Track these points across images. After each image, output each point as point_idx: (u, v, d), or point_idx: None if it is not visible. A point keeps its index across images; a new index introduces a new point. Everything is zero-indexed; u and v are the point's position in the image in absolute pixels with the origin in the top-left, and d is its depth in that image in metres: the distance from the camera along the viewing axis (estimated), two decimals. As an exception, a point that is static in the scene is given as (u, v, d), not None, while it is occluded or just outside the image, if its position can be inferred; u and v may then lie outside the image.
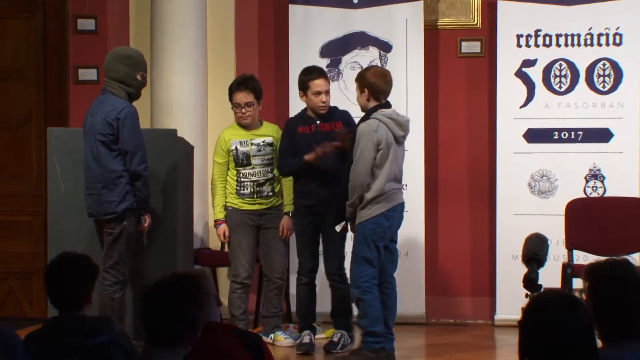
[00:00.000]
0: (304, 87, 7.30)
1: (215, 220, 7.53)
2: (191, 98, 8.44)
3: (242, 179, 7.44)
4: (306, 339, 7.24)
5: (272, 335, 7.40)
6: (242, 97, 7.43)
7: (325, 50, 8.45)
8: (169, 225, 7.08)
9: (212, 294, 3.71)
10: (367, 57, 8.39)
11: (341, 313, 7.36)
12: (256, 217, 7.46)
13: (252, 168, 7.43)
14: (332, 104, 7.76)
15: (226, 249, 8.52)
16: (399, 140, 6.91)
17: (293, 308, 8.08)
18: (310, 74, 7.32)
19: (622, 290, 3.65)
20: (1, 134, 9.04)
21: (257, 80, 7.63)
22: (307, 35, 8.43)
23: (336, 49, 8.44)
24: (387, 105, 6.95)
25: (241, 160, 7.44)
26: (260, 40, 8.83)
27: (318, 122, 7.30)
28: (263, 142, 7.48)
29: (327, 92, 7.30)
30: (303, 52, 8.42)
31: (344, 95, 8.27)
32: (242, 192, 7.44)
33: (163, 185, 7.04)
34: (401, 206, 7.00)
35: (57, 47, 8.93)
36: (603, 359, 3.46)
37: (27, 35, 9.03)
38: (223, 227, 7.47)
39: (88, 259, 4.53)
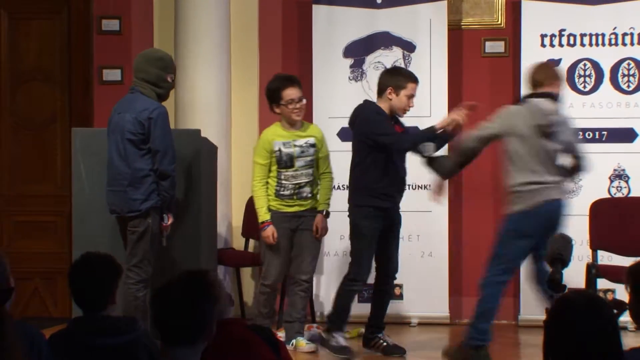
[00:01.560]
0: (398, 85, 7.10)
1: (262, 222, 7.26)
2: (215, 98, 8.45)
3: (284, 181, 7.26)
4: (344, 342, 7.17)
5: (293, 341, 7.20)
6: (296, 92, 7.25)
7: (349, 51, 8.44)
8: (192, 225, 7.08)
9: (223, 288, 3.69)
10: (390, 57, 8.39)
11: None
12: (294, 220, 7.30)
13: (295, 170, 7.26)
14: (354, 105, 7.77)
15: (250, 249, 8.55)
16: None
17: (317, 308, 8.12)
18: (406, 74, 7.27)
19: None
20: (26, 135, 9.08)
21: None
22: (331, 35, 8.43)
23: (360, 49, 8.44)
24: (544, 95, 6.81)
25: (285, 162, 7.25)
26: (283, 41, 8.84)
27: (394, 123, 7.22)
28: (306, 143, 7.31)
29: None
30: (326, 52, 8.42)
31: (367, 95, 8.24)
32: (282, 192, 7.27)
33: (186, 185, 7.05)
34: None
35: (82, 47, 8.96)
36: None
37: (51, 36, 9.06)
38: (271, 229, 7.23)
39: (111, 259, 4.54)
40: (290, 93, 7.19)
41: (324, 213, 7.38)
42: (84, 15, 8.96)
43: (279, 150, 7.22)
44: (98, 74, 8.95)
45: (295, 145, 7.23)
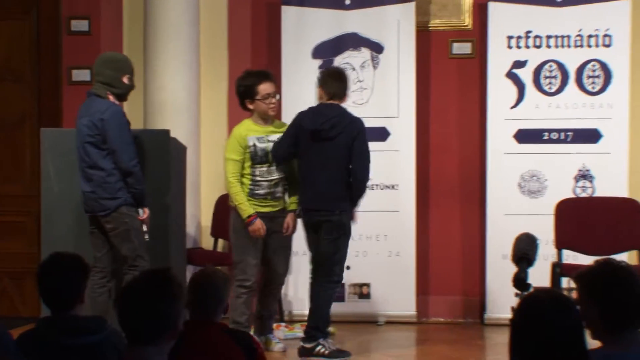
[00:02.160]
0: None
1: (248, 217, 7.05)
2: (184, 99, 8.44)
3: (258, 177, 7.11)
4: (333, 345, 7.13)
5: (262, 339, 7.08)
6: (272, 86, 7.16)
7: (318, 51, 8.45)
8: (161, 225, 7.07)
9: (184, 287, 3.69)
10: (359, 58, 8.41)
11: None
12: (267, 221, 7.12)
13: (269, 166, 7.12)
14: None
15: (219, 249, 8.55)
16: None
17: (285, 307, 8.12)
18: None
19: (621, 294, 3.67)
20: (-5, 135, 9.05)
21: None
22: (300, 36, 8.43)
23: (328, 50, 8.45)
24: None
25: (260, 158, 7.10)
26: (252, 42, 8.84)
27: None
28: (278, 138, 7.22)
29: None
30: (295, 53, 8.42)
31: (336, 96, 8.28)
32: (256, 192, 7.14)
33: (156, 186, 7.03)
34: None
35: (51, 48, 8.93)
36: (604, 357, 3.48)
37: (20, 37, 9.02)
38: (259, 221, 7.06)
39: (80, 259, 4.54)
40: (267, 88, 7.09)
41: (297, 212, 7.30)
42: (53, 15, 8.93)
43: (254, 145, 7.09)
44: (67, 74, 8.92)
45: (269, 141, 7.09)
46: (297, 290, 8.39)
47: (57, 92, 8.91)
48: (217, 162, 8.74)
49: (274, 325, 7.76)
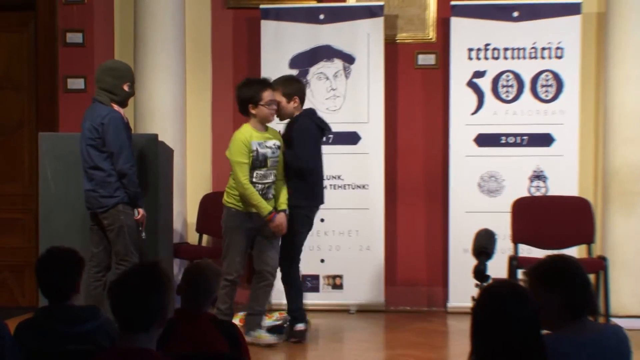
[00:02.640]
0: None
1: (269, 213, 6.91)
2: (171, 106, 8.43)
3: (255, 180, 6.95)
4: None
5: (254, 334, 6.98)
6: (272, 94, 6.99)
7: (294, 62, 8.44)
8: (151, 222, 7.04)
9: (172, 278, 3.69)
10: (332, 68, 8.40)
11: None
12: (258, 219, 6.96)
13: (267, 169, 6.99)
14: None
15: (203, 244, 8.53)
16: None
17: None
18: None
19: (569, 284, 3.69)
20: (-5, 139, 9.02)
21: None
22: (278, 48, 8.42)
23: (304, 61, 8.44)
24: None
25: (260, 162, 6.96)
26: (234, 54, 8.82)
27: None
28: (274, 144, 7.05)
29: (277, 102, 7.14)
30: (274, 63, 8.41)
31: (311, 103, 8.26)
32: None
33: (145, 186, 7.02)
34: None
35: (48, 58, 8.89)
36: (556, 342, 3.49)
37: (19, 48, 8.99)
38: (281, 216, 6.96)
39: (75, 252, 4.53)
40: (269, 94, 6.96)
41: (286, 212, 7.14)
42: (49, 28, 8.88)
43: (256, 150, 6.95)
44: (63, 83, 8.88)
45: (266, 146, 6.99)
46: (275, 282, 8.38)
47: (54, 99, 8.87)
48: (202, 163, 8.76)
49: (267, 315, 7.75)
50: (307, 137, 7.05)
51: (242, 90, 7.03)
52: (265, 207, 6.88)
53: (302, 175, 7.02)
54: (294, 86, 7.15)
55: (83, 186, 6.70)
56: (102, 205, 6.58)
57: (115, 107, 6.65)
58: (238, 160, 6.91)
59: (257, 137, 6.96)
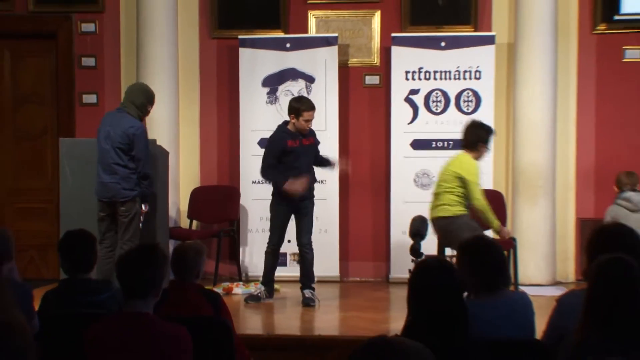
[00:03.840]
0: (297, 113, 7.00)
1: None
2: (167, 116, 8.38)
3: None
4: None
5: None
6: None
7: (266, 81, 8.43)
8: (151, 210, 7.02)
9: (168, 257, 3.70)
10: (296, 87, 8.40)
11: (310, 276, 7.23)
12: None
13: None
14: (269, 121, 7.75)
15: (193, 227, 8.51)
16: None
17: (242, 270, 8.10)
18: (304, 104, 7.06)
19: (486, 258, 3.73)
20: (25, 143, 8.96)
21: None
22: (253, 70, 8.41)
23: (274, 81, 8.43)
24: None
25: None
26: (218, 74, 8.79)
27: (302, 137, 7.09)
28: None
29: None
30: (250, 82, 8.40)
31: (280, 115, 8.27)
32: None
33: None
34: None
35: (66, 78, 8.83)
36: (476, 306, 3.52)
37: (43, 69, 8.93)
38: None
39: (90, 234, 4.52)
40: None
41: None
42: (68, 54, 8.82)
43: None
44: (79, 98, 8.82)
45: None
46: (252, 258, 8.38)
47: (71, 111, 8.82)
48: (192, 163, 8.73)
49: (234, 283, 7.75)
50: None
51: (473, 132, 6.87)
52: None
53: None
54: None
55: (100, 178, 6.67)
56: (125, 195, 6.62)
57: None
58: (476, 181, 6.71)
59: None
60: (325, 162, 7.31)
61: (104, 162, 6.69)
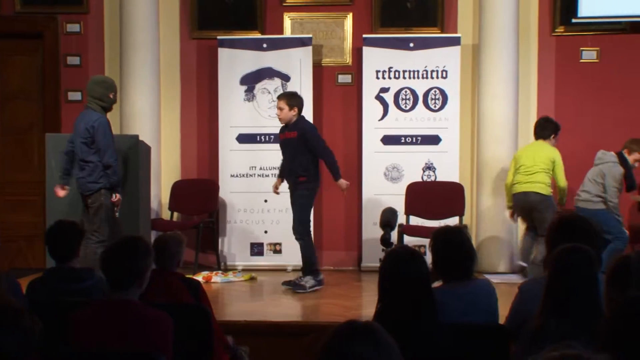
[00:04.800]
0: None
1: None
2: (149, 113, 8.35)
3: None
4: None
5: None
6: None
7: (244, 80, 8.40)
8: (133, 202, 7.01)
9: (151, 249, 3.67)
10: (272, 85, 8.38)
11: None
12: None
13: None
14: (247, 118, 7.72)
15: (174, 219, 8.46)
16: None
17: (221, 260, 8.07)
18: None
19: (454, 248, 3.73)
20: (12, 138, 8.90)
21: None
22: (231, 69, 8.37)
23: (251, 79, 8.40)
24: None
25: None
26: (197, 73, 8.75)
27: (286, 130, 7.09)
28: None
29: (280, 109, 7.06)
30: (228, 81, 8.36)
31: (257, 112, 8.26)
32: None
33: (129, 174, 6.96)
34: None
35: (52, 76, 8.76)
36: (443, 293, 3.53)
37: (30, 67, 8.86)
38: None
39: (76, 224, 4.50)
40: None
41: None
42: (54, 53, 8.75)
43: None
44: (64, 95, 8.76)
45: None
46: (230, 248, 8.36)
47: (57, 107, 8.75)
48: (173, 157, 8.69)
49: (213, 272, 7.72)
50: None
51: (548, 126, 7.50)
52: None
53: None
54: (297, 100, 7.10)
55: (75, 174, 6.63)
56: (89, 189, 6.50)
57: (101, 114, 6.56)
58: (562, 166, 7.40)
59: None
60: (335, 173, 7.15)
61: (76, 159, 6.64)
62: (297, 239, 7.11)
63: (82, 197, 6.64)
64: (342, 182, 7.06)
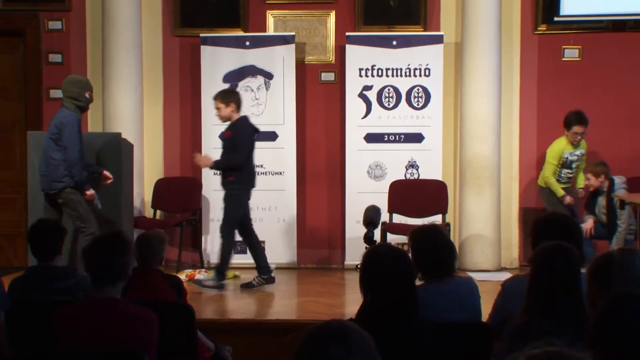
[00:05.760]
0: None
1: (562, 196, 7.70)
2: (131, 111, 8.31)
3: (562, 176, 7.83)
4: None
5: None
6: (581, 128, 7.57)
7: (227, 78, 8.38)
8: (116, 200, 6.97)
9: (133, 245, 3.67)
10: (255, 82, 8.36)
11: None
12: None
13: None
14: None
15: (157, 217, 8.43)
16: None
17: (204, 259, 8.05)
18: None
19: (434, 246, 3.74)
20: (-7, 137, 8.85)
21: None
22: (214, 67, 8.35)
23: (234, 77, 8.38)
24: None
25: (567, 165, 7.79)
26: (180, 71, 8.72)
27: (227, 129, 7.08)
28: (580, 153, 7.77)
29: (217, 109, 7.03)
30: (211, 79, 8.34)
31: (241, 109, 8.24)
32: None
33: (112, 172, 6.91)
34: None
35: (34, 73, 8.71)
36: (426, 291, 3.53)
37: (12, 65, 8.80)
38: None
39: (58, 223, 4.49)
40: (578, 129, 7.63)
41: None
42: (35, 50, 8.70)
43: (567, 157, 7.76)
44: (46, 93, 8.70)
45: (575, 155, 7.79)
46: (213, 246, 8.34)
47: (39, 105, 8.70)
48: (156, 155, 8.66)
49: (196, 270, 7.70)
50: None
51: (565, 118, 7.67)
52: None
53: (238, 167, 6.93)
54: (233, 96, 7.06)
55: (38, 170, 6.56)
56: (52, 187, 6.44)
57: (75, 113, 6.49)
58: (549, 161, 7.75)
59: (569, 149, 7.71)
60: (217, 165, 7.10)
61: (41, 155, 6.58)
62: (220, 236, 7.05)
63: (45, 196, 6.57)
64: (207, 160, 7.01)
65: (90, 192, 6.51)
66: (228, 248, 7.03)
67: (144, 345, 3.27)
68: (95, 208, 6.56)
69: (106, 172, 6.71)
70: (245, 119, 7.08)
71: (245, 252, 7.83)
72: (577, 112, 7.64)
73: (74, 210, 6.44)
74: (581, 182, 7.78)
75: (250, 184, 7.03)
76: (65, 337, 3.32)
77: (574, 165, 7.71)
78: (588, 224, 7.49)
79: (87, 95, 6.59)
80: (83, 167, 6.48)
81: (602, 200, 7.44)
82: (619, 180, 7.35)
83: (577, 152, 7.70)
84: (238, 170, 6.92)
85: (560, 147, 7.69)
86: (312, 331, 2.08)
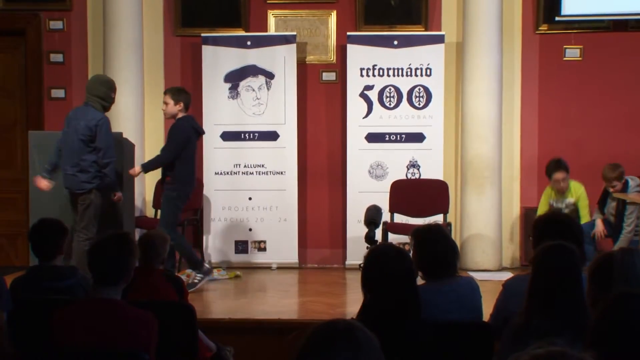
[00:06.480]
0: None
1: None
2: (133, 111, 8.32)
3: None
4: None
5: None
6: (562, 174, 7.39)
7: (228, 77, 8.38)
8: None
9: (137, 246, 3.68)
10: (257, 82, 8.36)
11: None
12: None
13: None
14: (231, 116, 7.67)
15: (158, 217, 8.43)
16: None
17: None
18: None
19: (436, 246, 3.73)
20: (-5, 136, 8.86)
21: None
22: (215, 67, 8.35)
23: (235, 76, 8.38)
24: None
25: None
26: (181, 71, 8.73)
27: None
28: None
29: (165, 103, 7.02)
30: (212, 78, 8.34)
31: (241, 109, 8.25)
32: None
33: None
34: None
35: (35, 73, 8.70)
36: (427, 291, 3.53)
37: (13, 65, 8.81)
38: None
39: (59, 222, 4.48)
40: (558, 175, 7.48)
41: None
42: (36, 50, 8.70)
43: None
44: (47, 92, 8.70)
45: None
46: (214, 245, 8.34)
47: (40, 105, 8.70)
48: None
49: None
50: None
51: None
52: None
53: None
54: (184, 96, 7.02)
55: (64, 170, 6.59)
56: (82, 187, 6.48)
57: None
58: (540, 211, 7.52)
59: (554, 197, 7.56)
60: (148, 165, 7.09)
61: (67, 154, 6.60)
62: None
63: (70, 194, 6.61)
64: (136, 169, 6.99)
65: (119, 194, 6.60)
66: (184, 244, 6.98)
67: (143, 347, 3.27)
68: (100, 214, 6.59)
69: (119, 194, 6.69)
70: (188, 118, 6.99)
71: (245, 252, 7.85)
72: (555, 160, 7.51)
73: (86, 210, 6.48)
74: (584, 219, 7.38)
75: (188, 184, 6.94)
76: (64, 338, 3.32)
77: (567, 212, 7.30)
78: (598, 226, 7.30)
79: (113, 95, 6.68)
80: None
81: (611, 201, 7.36)
82: (633, 182, 7.26)
83: (567, 201, 7.44)
84: (175, 172, 6.85)
85: (546, 195, 7.57)
86: (317, 330, 2.03)
